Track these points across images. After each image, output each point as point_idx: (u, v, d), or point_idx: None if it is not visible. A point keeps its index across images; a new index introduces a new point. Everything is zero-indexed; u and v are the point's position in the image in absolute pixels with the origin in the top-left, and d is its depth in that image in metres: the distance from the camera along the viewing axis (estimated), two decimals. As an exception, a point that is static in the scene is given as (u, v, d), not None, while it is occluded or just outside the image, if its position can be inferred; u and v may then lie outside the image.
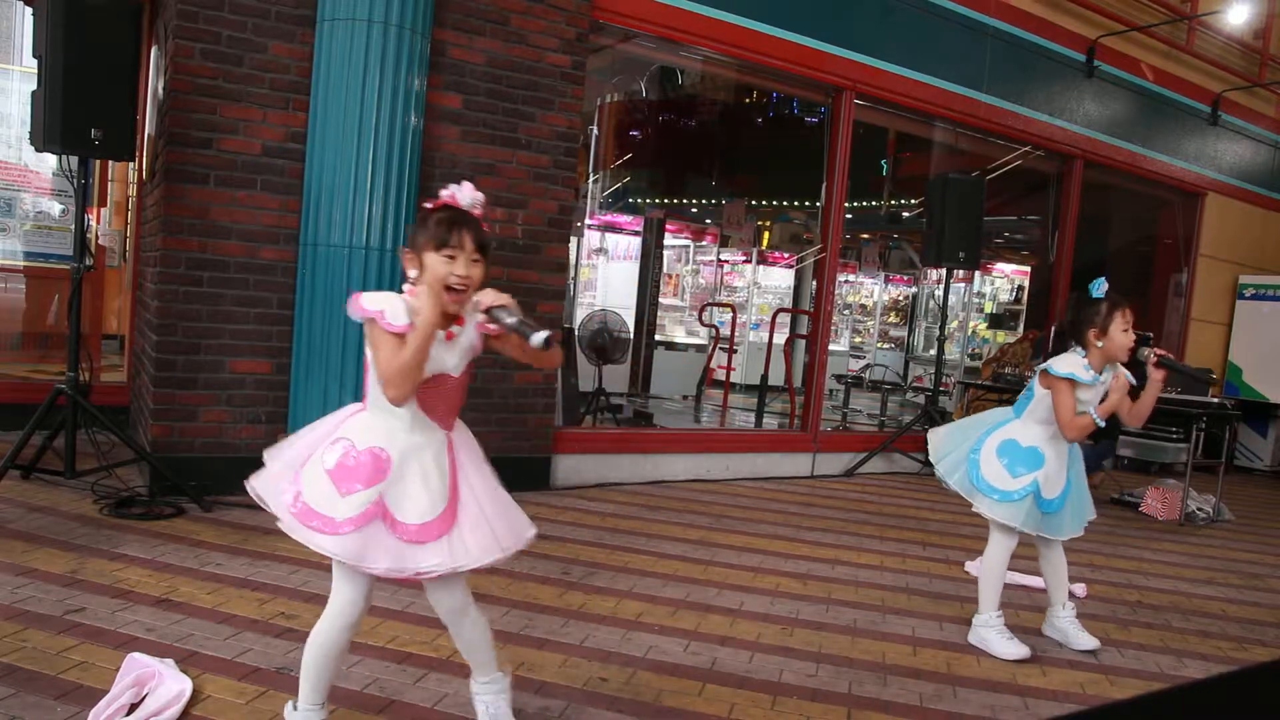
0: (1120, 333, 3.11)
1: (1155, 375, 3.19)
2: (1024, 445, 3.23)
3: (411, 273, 2.05)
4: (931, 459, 3.45)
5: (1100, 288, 3.15)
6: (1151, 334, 3.36)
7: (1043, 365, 3.26)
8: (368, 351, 2.06)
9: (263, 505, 2.03)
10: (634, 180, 11.37)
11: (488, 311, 2.04)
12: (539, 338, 1.97)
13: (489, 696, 2.29)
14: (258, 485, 2.04)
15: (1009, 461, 3.21)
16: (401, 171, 4.33)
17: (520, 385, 5.02)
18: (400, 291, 2.05)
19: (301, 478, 2.01)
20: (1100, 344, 3.14)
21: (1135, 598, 4.15)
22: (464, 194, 2.06)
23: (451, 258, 2.00)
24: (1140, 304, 8.78)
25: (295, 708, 2.15)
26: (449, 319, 2.06)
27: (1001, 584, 3.34)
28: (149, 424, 4.28)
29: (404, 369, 1.95)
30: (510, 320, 2.01)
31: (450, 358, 2.08)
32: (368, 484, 1.99)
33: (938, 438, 3.47)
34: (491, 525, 2.10)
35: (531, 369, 5.04)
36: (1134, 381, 3.25)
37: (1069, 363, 3.16)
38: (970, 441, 3.34)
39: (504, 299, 2.05)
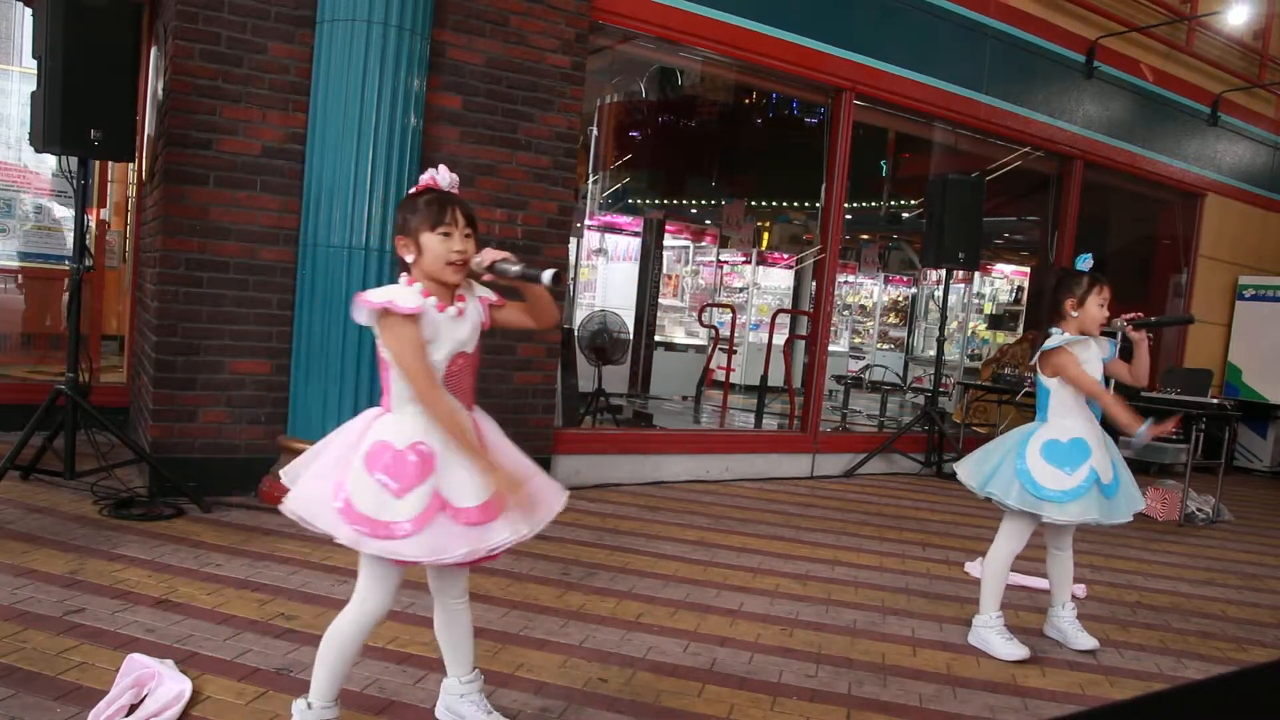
0: (1096, 307, 3.21)
1: (1137, 337, 3.29)
2: (1065, 441, 3.20)
3: (408, 257, 2.10)
4: (974, 486, 3.32)
5: (1085, 262, 3.25)
6: (1140, 313, 3.38)
7: (1034, 359, 3.31)
8: (382, 352, 2.07)
9: (308, 526, 2.01)
10: (634, 181, 11.36)
11: (491, 267, 2.09)
12: (548, 275, 2.04)
13: (476, 696, 2.31)
14: (295, 508, 2.02)
15: (1059, 461, 3.17)
16: (401, 172, 4.33)
17: (520, 386, 5.02)
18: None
19: (347, 490, 1.99)
20: (1075, 314, 3.23)
21: (1135, 598, 4.15)
22: (443, 176, 2.13)
23: (447, 234, 2.06)
24: (1140, 304, 8.77)
25: (309, 705, 2.14)
26: (452, 293, 2.11)
27: (1004, 585, 3.34)
28: (149, 425, 4.28)
29: (448, 426, 2.02)
30: (515, 269, 2.08)
31: (463, 333, 2.11)
32: (420, 480, 1.99)
33: (969, 465, 3.37)
34: (535, 491, 2.14)
35: (531, 369, 5.04)
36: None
37: (1053, 339, 3.24)
38: (1011, 456, 3.26)
39: (503, 253, 2.10)
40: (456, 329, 2.10)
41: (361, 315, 2.04)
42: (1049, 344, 3.24)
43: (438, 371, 2.07)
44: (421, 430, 2.04)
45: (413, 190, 2.15)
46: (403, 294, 2.03)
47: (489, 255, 2.09)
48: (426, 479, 2.00)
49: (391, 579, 2.11)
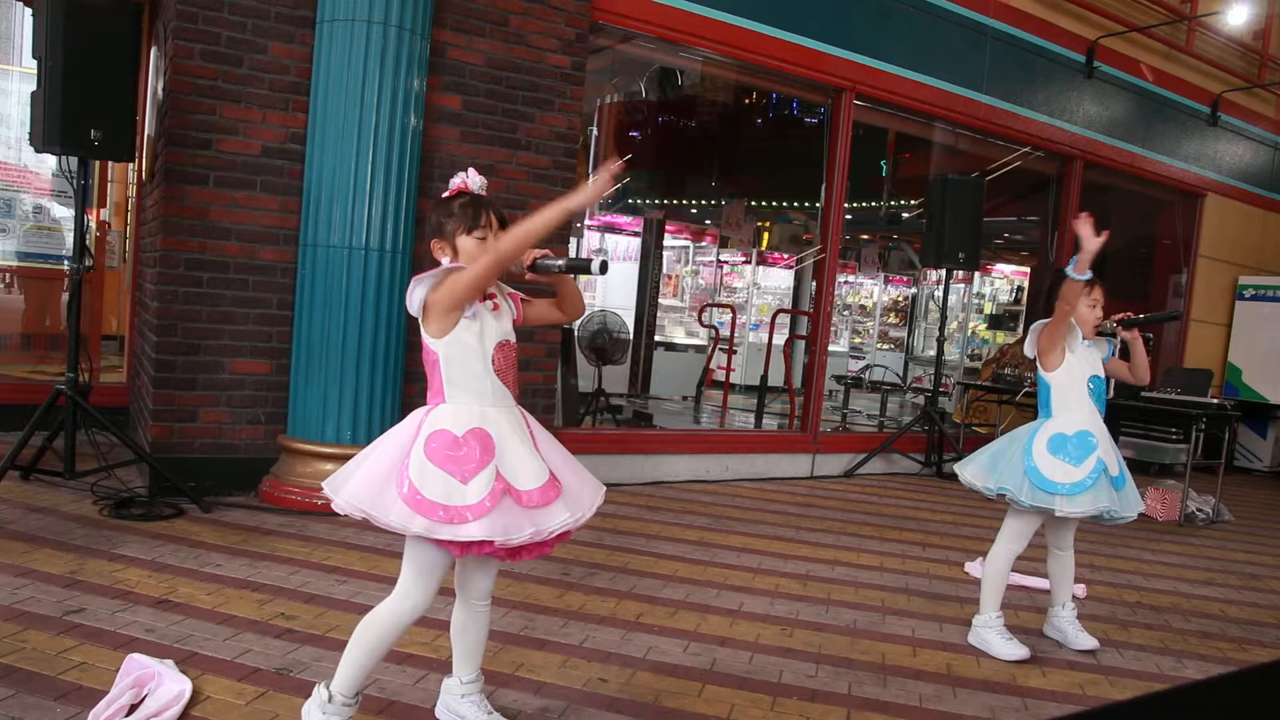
0: (1086, 308, 3.24)
1: (1129, 335, 3.32)
2: (1071, 433, 3.19)
3: (444, 260, 2.14)
4: (985, 486, 3.29)
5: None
6: (1129, 312, 3.39)
7: (1029, 353, 3.34)
8: (430, 344, 2.10)
9: (375, 521, 2.00)
10: (633, 181, 11.36)
11: (532, 266, 2.14)
12: (596, 264, 2.11)
13: (476, 697, 2.32)
14: (358, 503, 2.00)
15: (1065, 454, 3.16)
16: (401, 172, 4.33)
17: (520, 386, 5.02)
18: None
19: (412, 480, 2.00)
20: None
21: (1135, 598, 4.15)
22: (474, 179, 2.19)
23: (483, 239, 2.11)
24: (1141, 305, 8.77)
25: (330, 697, 2.11)
26: (486, 294, 2.16)
27: (1004, 586, 3.33)
28: (149, 425, 4.28)
29: (531, 236, 2.02)
30: (560, 263, 2.14)
31: (504, 324, 2.19)
32: (482, 465, 2.03)
33: (976, 467, 3.34)
34: (578, 485, 2.21)
35: (531, 369, 5.04)
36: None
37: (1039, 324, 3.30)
38: (1019, 454, 3.24)
39: (543, 250, 2.16)
40: (495, 321, 2.16)
41: (414, 300, 2.06)
42: (1036, 325, 3.29)
43: (486, 355, 2.12)
44: (477, 417, 2.09)
45: (445, 194, 2.19)
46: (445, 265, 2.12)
47: (530, 254, 2.13)
48: (489, 463, 2.04)
49: (437, 574, 2.13)
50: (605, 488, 2.31)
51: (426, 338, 2.11)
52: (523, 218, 2.06)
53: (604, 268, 2.10)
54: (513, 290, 2.26)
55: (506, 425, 2.12)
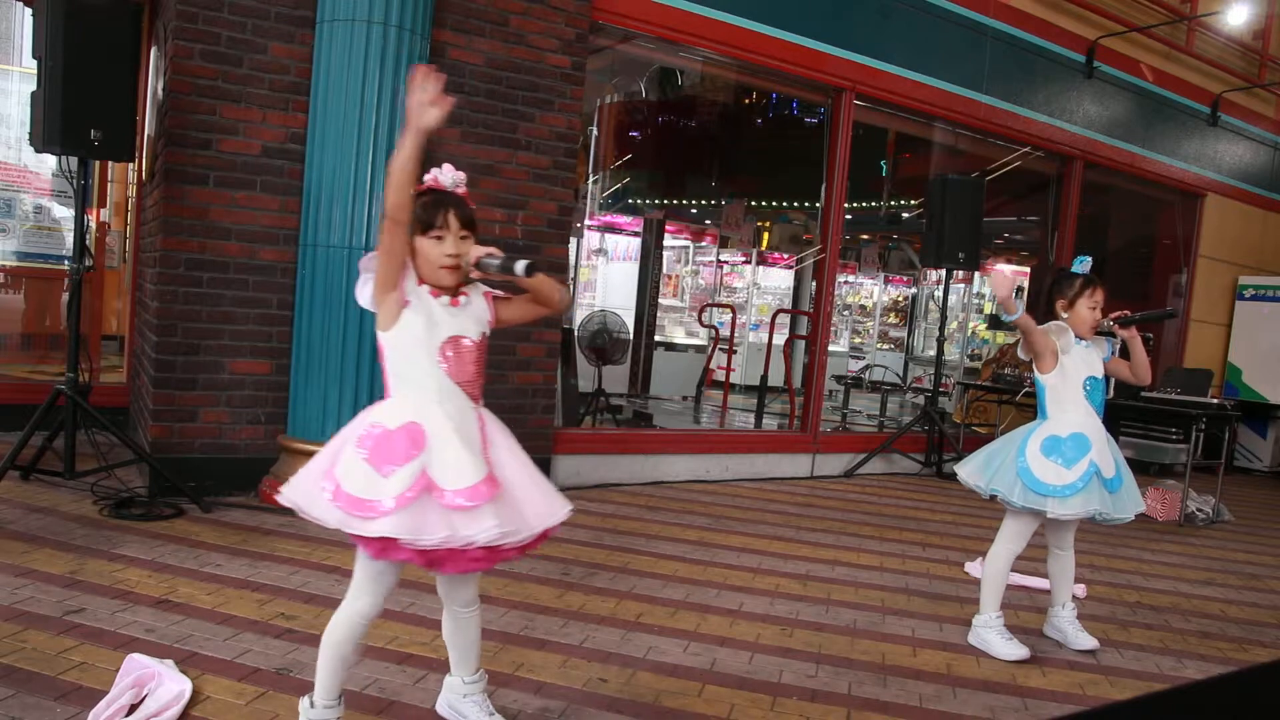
0: (1086, 309, 3.24)
1: (1126, 334, 3.32)
2: (1065, 435, 3.19)
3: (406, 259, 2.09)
4: (978, 486, 3.30)
5: (1083, 264, 3.28)
6: (1126, 311, 3.39)
7: (1023, 356, 3.35)
8: (378, 336, 2.07)
9: (302, 513, 2.00)
10: (633, 181, 11.36)
11: (477, 264, 2.06)
12: (520, 266, 2.02)
13: (479, 696, 2.32)
14: (293, 495, 2.01)
15: (1058, 456, 3.16)
16: (401, 172, 4.32)
17: (520, 385, 5.02)
18: None
19: (337, 473, 1.98)
20: (1066, 315, 3.27)
21: (1135, 598, 4.15)
22: (445, 176, 2.11)
23: (440, 238, 2.05)
24: (1141, 305, 8.78)
25: (312, 704, 2.14)
26: (453, 290, 2.11)
27: (1004, 586, 3.33)
28: (148, 425, 4.28)
29: (399, 173, 1.94)
30: (495, 263, 2.04)
31: (462, 321, 2.10)
32: (407, 459, 1.96)
33: (973, 466, 3.35)
34: (525, 501, 2.07)
35: (531, 369, 5.04)
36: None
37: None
38: (1012, 455, 3.25)
39: (488, 249, 2.07)
40: (452, 316, 2.08)
41: (364, 293, 2.04)
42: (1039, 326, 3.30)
43: (433, 349, 2.05)
44: (414, 412, 2.02)
45: (412, 190, 2.12)
46: None
47: (474, 252, 2.07)
48: (415, 458, 1.96)
49: (385, 578, 2.09)
50: (569, 507, 2.15)
51: (377, 330, 2.08)
52: (480, 246, 2.07)
53: (529, 270, 2.02)
54: (490, 289, 2.19)
55: (448, 423, 2.02)
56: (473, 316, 2.13)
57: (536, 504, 2.10)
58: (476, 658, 2.32)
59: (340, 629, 2.11)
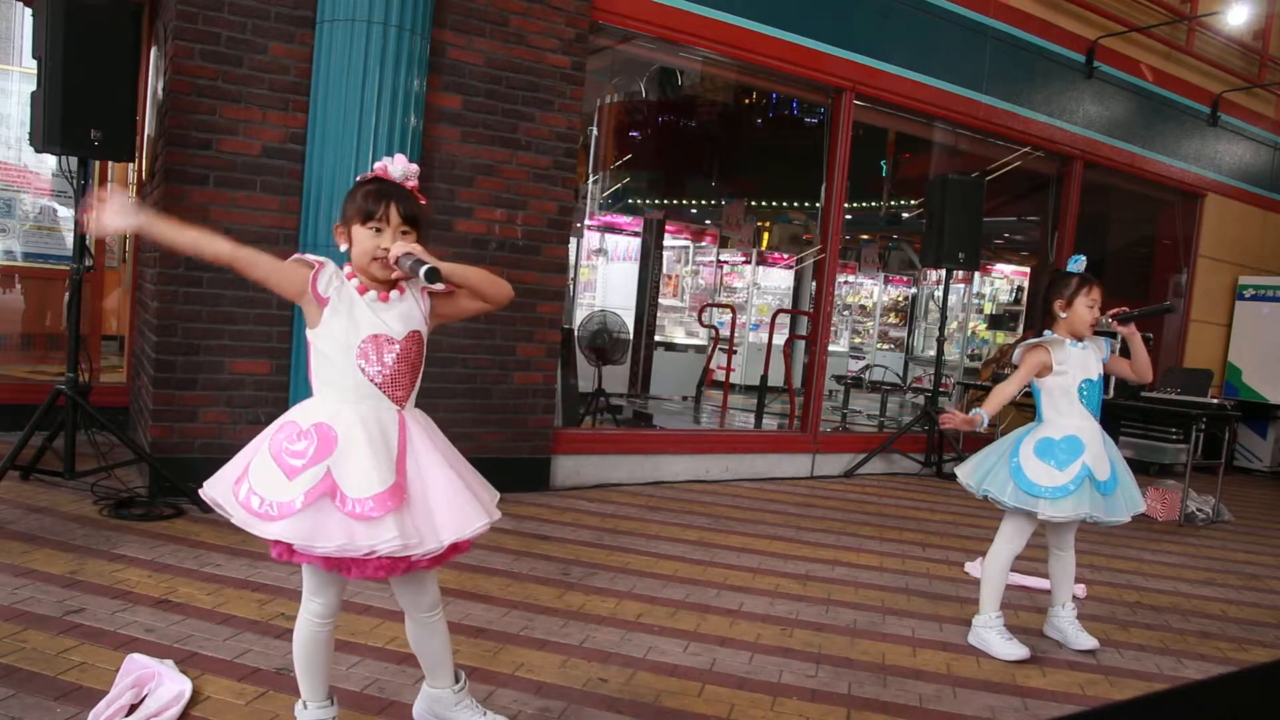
0: (1085, 308, 3.23)
1: (1125, 331, 3.33)
2: (1059, 438, 3.21)
3: (342, 246, 2.05)
4: (972, 486, 3.32)
5: (1077, 264, 3.28)
6: (1125, 308, 3.39)
7: (1017, 363, 3.35)
8: (307, 333, 2.03)
9: (218, 510, 1.95)
10: (633, 181, 11.36)
11: (396, 261, 1.98)
12: (423, 270, 1.93)
13: (468, 700, 2.30)
14: (210, 491, 1.97)
15: (1051, 458, 3.18)
16: (401, 172, 4.32)
17: (520, 386, 5.02)
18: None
19: (250, 470, 1.94)
20: (1064, 315, 3.27)
21: (1135, 598, 4.15)
22: (395, 166, 2.05)
23: (378, 230, 1.99)
24: (1140, 305, 8.77)
25: (305, 705, 2.15)
26: (387, 285, 2.05)
27: (1004, 585, 3.34)
28: (148, 425, 4.28)
29: (191, 247, 2.05)
30: (408, 262, 1.96)
31: (387, 319, 2.02)
32: (314, 461, 1.90)
33: (968, 466, 3.38)
34: (438, 512, 1.97)
35: (531, 369, 5.04)
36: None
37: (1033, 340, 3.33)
38: (1006, 455, 3.27)
39: (410, 247, 1.99)
40: (380, 313, 2.01)
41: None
42: (1029, 342, 3.31)
43: (350, 350, 1.98)
44: (329, 412, 1.97)
45: (360, 178, 2.08)
46: (329, 270, 2.01)
47: (395, 249, 1.98)
48: (321, 460, 1.90)
49: (330, 581, 2.05)
50: (487, 521, 2.03)
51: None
52: (402, 244, 2.00)
53: (430, 276, 1.93)
54: (431, 286, 2.04)
55: (362, 425, 1.95)
56: (401, 314, 2.04)
57: (453, 515, 1.99)
58: (450, 662, 2.26)
59: (302, 632, 2.09)
